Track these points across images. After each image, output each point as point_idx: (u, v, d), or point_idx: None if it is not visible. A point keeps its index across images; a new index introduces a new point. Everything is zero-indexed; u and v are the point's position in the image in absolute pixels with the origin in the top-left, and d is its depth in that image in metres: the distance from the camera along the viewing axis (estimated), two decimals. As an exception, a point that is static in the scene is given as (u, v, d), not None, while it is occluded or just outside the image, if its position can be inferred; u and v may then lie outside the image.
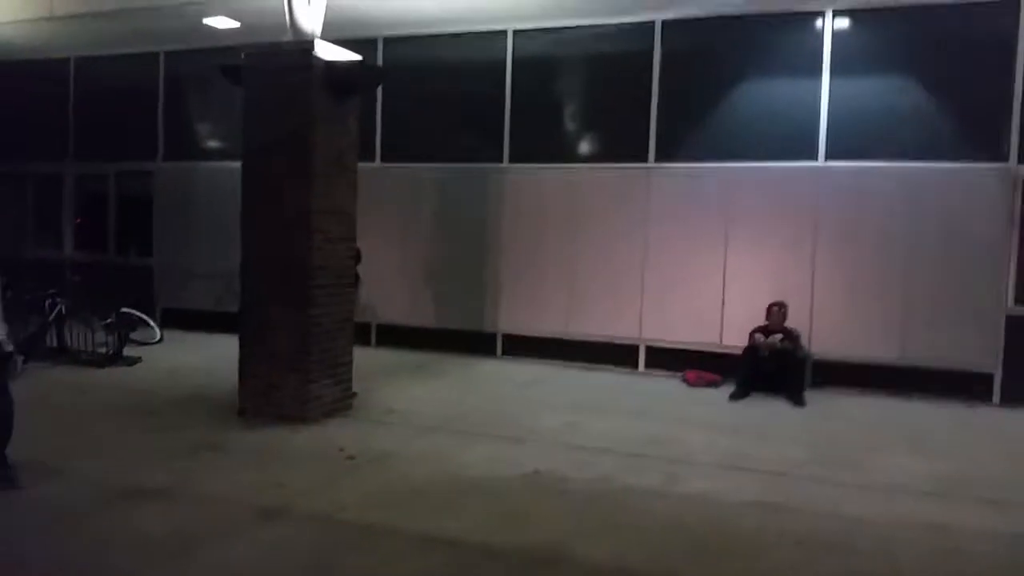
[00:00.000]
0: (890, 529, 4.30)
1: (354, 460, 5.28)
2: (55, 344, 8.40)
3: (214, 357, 8.38)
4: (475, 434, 6.04)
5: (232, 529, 4.07)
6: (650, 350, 8.98)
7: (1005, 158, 7.72)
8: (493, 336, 9.68)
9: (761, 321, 8.07)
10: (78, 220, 12.13)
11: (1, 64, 12.07)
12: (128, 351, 8.56)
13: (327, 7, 6.54)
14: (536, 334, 9.45)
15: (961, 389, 7.81)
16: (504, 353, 9.63)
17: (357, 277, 7.20)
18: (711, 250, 8.66)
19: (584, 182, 9.20)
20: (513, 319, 9.58)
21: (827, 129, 8.24)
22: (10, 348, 4.69)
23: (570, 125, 9.54)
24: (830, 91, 8.22)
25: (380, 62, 9.79)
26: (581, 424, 6.43)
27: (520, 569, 3.73)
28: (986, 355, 7.80)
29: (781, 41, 8.48)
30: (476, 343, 9.66)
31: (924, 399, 7.80)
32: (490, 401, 7.29)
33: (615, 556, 3.87)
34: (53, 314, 8.34)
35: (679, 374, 8.54)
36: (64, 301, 8.40)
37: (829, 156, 8.23)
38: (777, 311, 7.97)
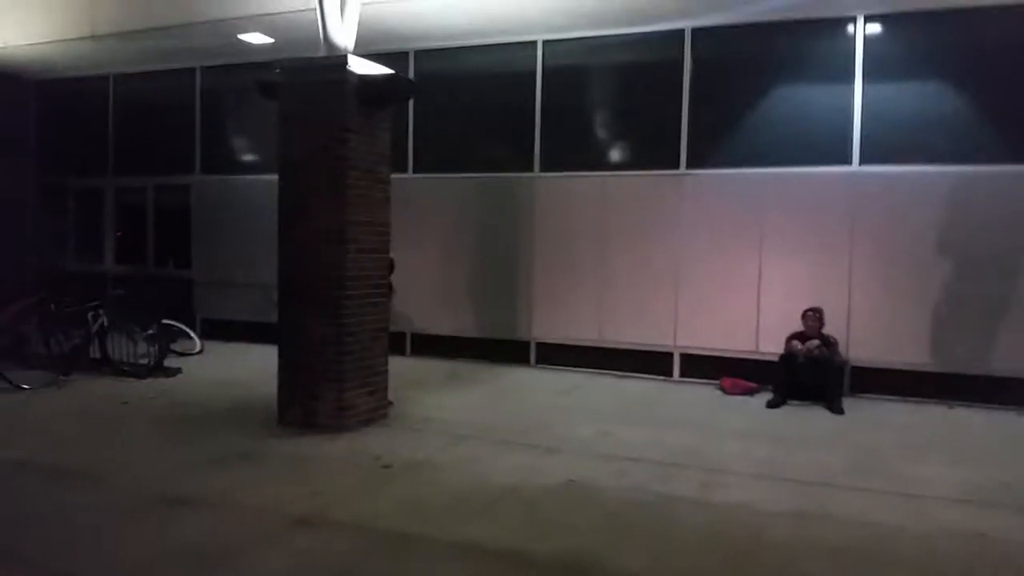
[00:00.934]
0: (929, 539, 4.23)
1: (390, 468, 5.32)
2: (98, 355, 8.59)
3: (253, 367, 8.51)
4: (509, 443, 6.05)
5: (269, 537, 4.12)
6: (685, 358, 8.93)
7: (1045, 159, 7.57)
8: (527, 344, 9.70)
9: (797, 327, 7.98)
10: (119, 232, 12.39)
11: (44, 82, 12.46)
12: (169, 362, 8.72)
13: (359, 22, 6.63)
14: (570, 342, 9.45)
15: (1005, 396, 7.63)
16: (538, 361, 9.64)
17: (391, 287, 7.26)
18: (746, 256, 8.59)
19: (616, 190, 9.19)
20: (547, 327, 9.59)
21: (861, 134, 8.14)
22: None
23: (601, 133, 9.55)
24: (863, 96, 8.11)
25: (412, 74, 9.89)
26: (615, 433, 6.41)
27: (554, 578, 3.73)
28: (1027, 361, 7.62)
29: (812, 47, 8.40)
30: (510, 351, 9.68)
31: (965, 406, 7.65)
32: (524, 410, 7.30)
33: (648, 565, 3.85)
34: (95, 326, 8.52)
35: (715, 382, 8.47)
36: (106, 313, 8.59)
37: (863, 161, 8.12)
38: (813, 317, 7.87)
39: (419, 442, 6.01)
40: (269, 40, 9.73)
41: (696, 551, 4.05)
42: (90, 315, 8.51)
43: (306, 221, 6.32)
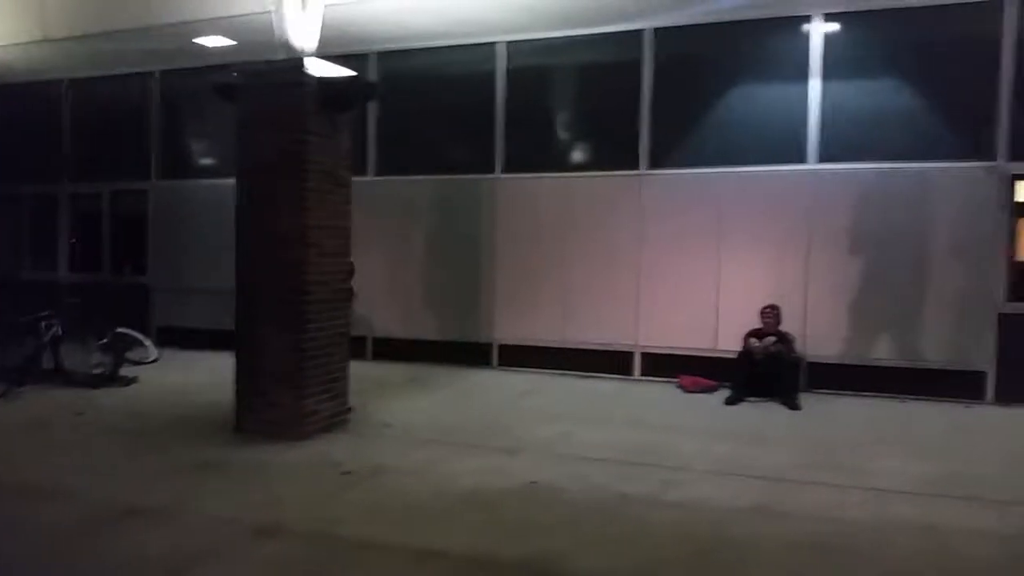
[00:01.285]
0: (886, 531, 4.32)
1: (350, 475, 5.29)
2: (51, 366, 8.40)
3: (210, 375, 8.39)
4: (471, 446, 6.05)
5: (229, 547, 4.08)
6: (645, 356, 9.01)
7: (994, 156, 7.77)
8: (488, 346, 9.71)
9: (756, 325, 8.10)
10: (73, 240, 12.14)
11: (-6, 87, 12.17)
12: (124, 371, 8.56)
13: (321, 22, 6.57)
14: (531, 343, 9.48)
15: (955, 388, 7.84)
16: (500, 363, 9.65)
17: (351, 291, 7.22)
18: (705, 255, 8.70)
19: (577, 191, 9.24)
20: (508, 329, 9.61)
21: (818, 132, 8.29)
22: None
23: (562, 134, 9.60)
24: (821, 94, 8.27)
25: (373, 76, 9.84)
26: (577, 434, 6.45)
27: (516, 581, 3.74)
28: (979, 353, 7.83)
29: (771, 46, 8.55)
30: (471, 354, 9.68)
31: (918, 399, 7.83)
32: (486, 412, 7.30)
33: (611, 565, 3.89)
34: (48, 335, 8.34)
35: (674, 380, 8.56)
36: (59, 322, 8.41)
37: (821, 159, 8.28)
38: (770, 313, 8.01)
39: (380, 447, 5.99)
40: (229, 42, 9.60)
41: (658, 549, 4.09)
42: (43, 324, 8.33)
43: (265, 225, 6.26)
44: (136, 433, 6.41)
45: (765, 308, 8.03)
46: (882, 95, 8.14)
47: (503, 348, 9.65)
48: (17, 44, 10.16)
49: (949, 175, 7.89)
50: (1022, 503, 4.81)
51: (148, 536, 4.23)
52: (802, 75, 8.33)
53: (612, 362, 9.09)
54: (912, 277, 8.00)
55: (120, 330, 8.80)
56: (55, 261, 12.23)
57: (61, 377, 8.31)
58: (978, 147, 7.86)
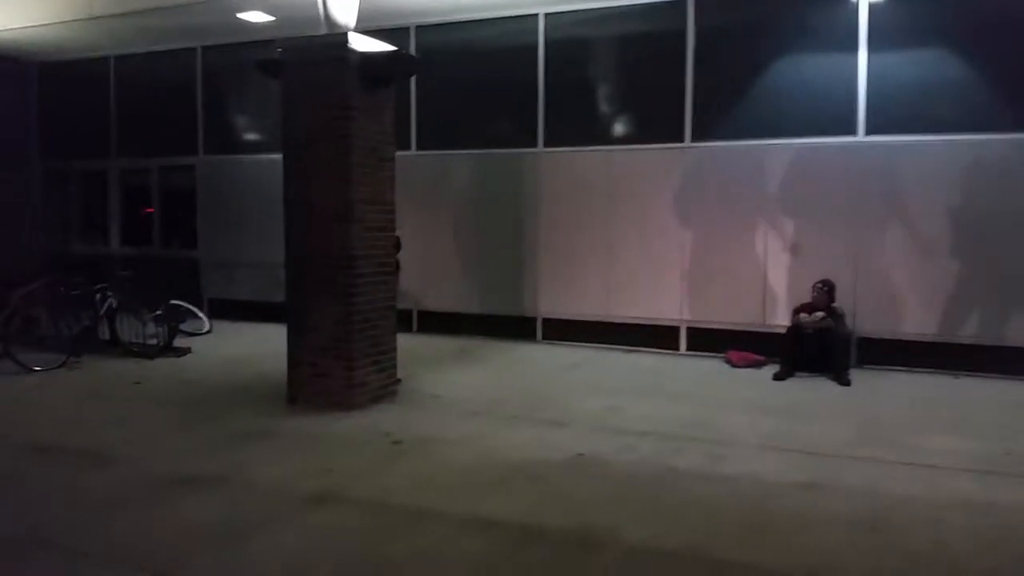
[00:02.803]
0: (936, 508, 4.26)
1: (400, 445, 5.37)
2: (107, 337, 8.64)
3: (261, 346, 8.56)
4: (518, 418, 6.09)
5: (282, 515, 4.17)
6: (692, 331, 8.94)
7: (1052, 126, 7.51)
8: (533, 320, 9.72)
9: (805, 299, 7.98)
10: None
11: (45, 65, 12.41)
12: (178, 342, 8.77)
13: (359, -2, 6.58)
14: (576, 317, 9.47)
15: (1010, 365, 7.64)
16: (544, 337, 9.67)
17: (397, 264, 7.27)
18: (752, 228, 8.57)
19: (620, 163, 9.16)
20: (553, 303, 9.60)
21: (866, 103, 8.07)
22: None
23: (604, 107, 9.49)
24: (868, 64, 8.04)
25: (413, 50, 9.82)
26: (623, 407, 6.44)
27: (566, 550, 3.77)
28: (1037, 330, 7.62)
29: (816, 15, 8.32)
30: (517, 327, 9.71)
31: (971, 375, 7.66)
32: (532, 385, 7.33)
33: (658, 537, 3.90)
34: (104, 308, 8.58)
35: (722, 355, 8.49)
36: (114, 295, 8.63)
37: (869, 131, 8.07)
38: (821, 289, 7.86)
39: (429, 418, 6.06)
40: (270, 18, 9.67)
41: (705, 523, 4.09)
42: (98, 297, 8.56)
43: (312, 199, 6.32)
44: (191, 402, 6.58)
45: (817, 283, 7.88)
46: (932, 66, 7.86)
47: (547, 322, 9.66)
48: (64, 22, 10.34)
49: (1003, 147, 7.63)
50: (1083, 481, 4.70)
51: (203, 504, 4.35)
52: (850, 45, 8.09)
53: (658, 337, 9.04)
54: (965, 250, 7.79)
55: (173, 302, 9.01)
56: (107, 235, 12.52)
57: (117, 348, 8.55)
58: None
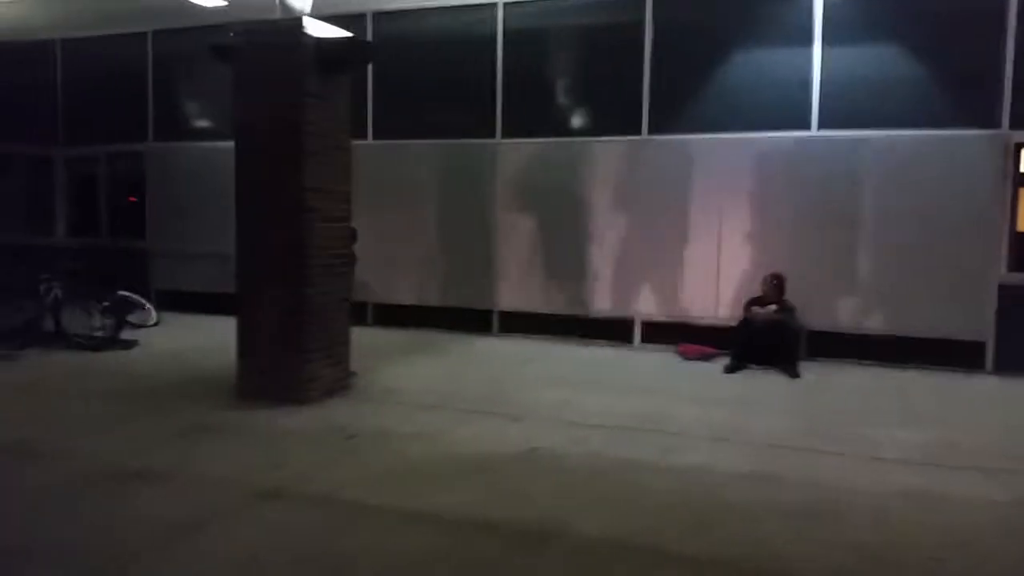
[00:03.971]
0: (883, 499, 4.36)
1: (354, 439, 5.31)
2: (52, 329, 8.40)
3: (211, 339, 8.40)
4: (472, 412, 6.08)
5: (234, 510, 4.10)
6: (645, 324, 9.02)
7: (997, 124, 7.71)
8: (489, 313, 9.71)
9: (756, 293, 8.10)
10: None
11: (-14, 47, 12.00)
12: (125, 334, 8.56)
13: (316, -17, 6.47)
14: (532, 310, 9.48)
15: (954, 358, 7.86)
16: (501, 330, 9.66)
17: (353, 256, 7.19)
18: (705, 222, 8.67)
19: (577, 156, 9.18)
20: (509, 296, 9.60)
21: (819, 98, 8.22)
22: None
23: (562, 99, 9.50)
24: (822, 60, 8.18)
25: (370, 38, 9.70)
26: (577, 400, 6.47)
27: (517, 544, 3.77)
28: (979, 323, 7.84)
29: (772, 10, 8.43)
30: (472, 320, 9.69)
31: (918, 369, 7.86)
32: (487, 379, 7.32)
33: (610, 529, 3.92)
34: (49, 298, 8.33)
35: (674, 347, 8.58)
36: (59, 286, 8.39)
37: (822, 125, 8.21)
38: (771, 282, 7.99)
39: (382, 412, 6.01)
40: (222, 3, 9.45)
41: (658, 514, 4.12)
42: (43, 287, 8.32)
43: (265, 190, 6.21)
44: (137, 395, 6.43)
45: (767, 276, 8.01)
46: (885, 61, 8.05)
47: (504, 315, 9.65)
48: (8, 2, 9.98)
49: (951, 142, 7.83)
50: (1019, 472, 4.85)
51: (150, 498, 4.25)
52: (805, 40, 8.22)
53: (612, 330, 9.11)
54: (913, 246, 7.98)
55: (120, 293, 8.79)
56: (52, 225, 12.16)
57: (62, 340, 8.32)
58: (981, 114, 7.78)
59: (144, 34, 11.16)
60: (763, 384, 7.27)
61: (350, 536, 3.83)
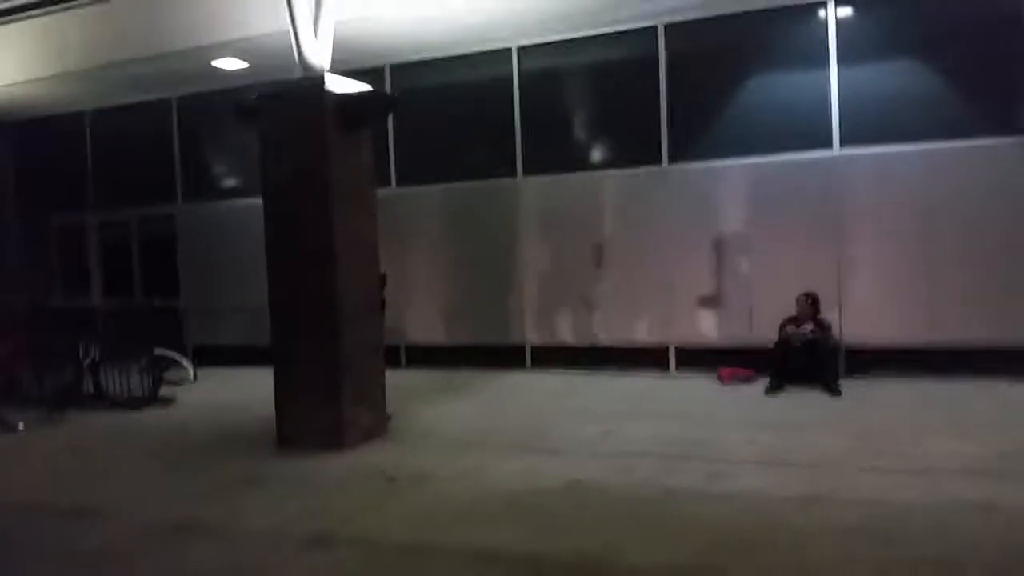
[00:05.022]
0: (939, 513, 4.25)
1: (395, 482, 5.31)
2: (91, 390, 8.52)
3: (248, 391, 8.46)
4: (512, 448, 6.05)
5: (281, 560, 4.10)
6: (680, 351, 8.96)
7: (1022, 131, 7.65)
8: (521, 348, 9.70)
9: (791, 313, 8.03)
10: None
11: (19, 123, 12.37)
12: (163, 392, 8.66)
13: (333, 40, 6.63)
14: (564, 343, 9.47)
15: (997, 368, 7.69)
16: (533, 365, 9.64)
17: (383, 301, 7.25)
18: (734, 246, 8.64)
19: (599, 189, 9.24)
20: (540, 330, 9.60)
21: (839, 117, 8.22)
22: None
23: (581, 134, 9.59)
24: (839, 79, 8.20)
25: (388, 89, 9.89)
26: (617, 430, 6.42)
27: (570, 578, 3.73)
28: (1021, 331, 7.68)
29: (785, 34, 8.50)
30: (504, 356, 9.68)
31: (959, 380, 7.70)
32: (524, 414, 7.30)
33: (662, 560, 3.86)
34: (87, 361, 8.46)
35: (712, 373, 8.50)
36: (97, 347, 8.53)
37: (844, 143, 8.20)
38: (806, 302, 7.92)
39: (422, 454, 6.00)
40: (243, 64, 9.71)
41: (709, 542, 4.06)
42: (81, 350, 8.45)
43: (293, 242, 6.31)
44: (180, 452, 6.48)
45: (801, 296, 7.94)
46: (903, 75, 8.05)
47: (536, 349, 9.64)
48: (39, 79, 10.34)
49: (977, 152, 7.77)
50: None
51: (200, 552, 4.27)
52: (820, 61, 8.26)
53: (647, 359, 9.04)
54: (947, 256, 7.88)
55: (157, 352, 8.91)
56: (88, 288, 12.40)
57: (102, 401, 8.42)
58: (1007, 122, 7.73)
59: (169, 100, 11.47)
60: (805, 404, 7.17)
61: (401, 579, 3.81)
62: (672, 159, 8.89)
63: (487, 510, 4.71)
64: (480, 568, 3.87)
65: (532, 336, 9.65)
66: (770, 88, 8.53)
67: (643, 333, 9.09)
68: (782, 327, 7.97)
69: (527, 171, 9.59)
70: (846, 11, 8.19)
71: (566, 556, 3.94)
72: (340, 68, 6.65)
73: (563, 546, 4.07)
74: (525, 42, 9.42)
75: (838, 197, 8.21)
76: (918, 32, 8.00)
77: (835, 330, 8.03)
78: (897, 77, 8.06)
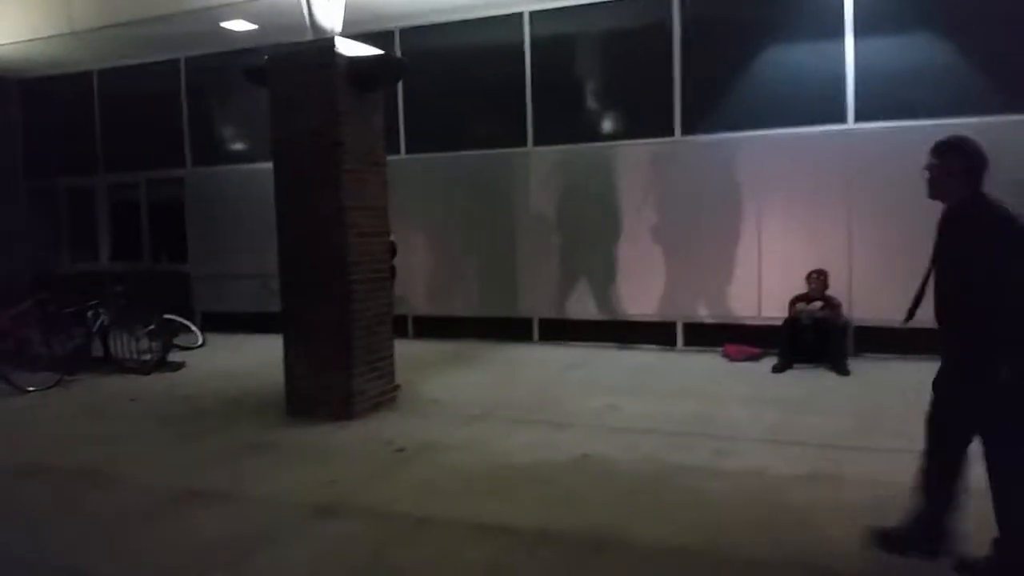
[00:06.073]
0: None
1: (403, 452, 5.33)
2: (100, 354, 8.56)
3: (256, 358, 8.50)
4: (520, 420, 6.06)
5: (291, 527, 4.13)
6: (688, 326, 8.94)
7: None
8: (529, 321, 9.69)
9: (800, 290, 7.98)
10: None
11: (26, 81, 12.29)
12: (172, 357, 8.70)
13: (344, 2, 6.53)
14: (572, 317, 9.45)
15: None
16: (541, 338, 9.64)
17: (393, 270, 7.23)
18: (744, 221, 8.57)
19: (610, 160, 9.15)
20: (548, 303, 9.58)
21: (855, 90, 8.10)
22: None
23: (592, 104, 9.47)
24: (855, 51, 8.06)
25: (398, 53, 9.78)
26: (624, 405, 6.42)
27: (575, 552, 3.74)
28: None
29: (801, 4, 8.34)
30: (512, 329, 9.68)
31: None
32: (531, 387, 7.30)
33: (668, 535, 3.87)
34: (96, 325, 8.49)
35: (718, 349, 8.48)
36: (106, 311, 8.55)
37: (859, 118, 8.09)
38: (816, 278, 7.87)
39: (430, 424, 6.02)
40: (253, 26, 9.60)
41: (717, 518, 4.07)
42: (90, 314, 8.48)
43: (304, 208, 6.28)
44: (189, 417, 6.51)
45: (812, 272, 7.89)
46: (919, 50, 7.90)
47: (543, 322, 9.63)
48: (45, 38, 10.26)
49: (991, 129, 7.61)
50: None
51: (209, 519, 4.29)
52: (836, 33, 8.12)
53: (654, 333, 9.03)
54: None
55: (166, 316, 8.93)
56: (96, 252, 12.41)
57: (111, 365, 8.46)
58: (1022, 98, 7.60)
59: (177, 60, 11.37)
60: (812, 382, 7.15)
61: (407, 550, 3.83)
62: (685, 131, 8.78)
63: (494, 482, 4.72)
64: (485, 540, 3.88)
65: (540, 309, 9.63)
66: (785, 60, 8.40)
67: (651, 307, 9.06)
68: (792, 304, 7.93)
69: (537, 141, 9.50)
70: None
71: (571, 531, 3.95)
72: (350, 31, 6.57)
73: (569, 521, 4.08)
74: (537, 7, 9.27)
75: (851, 173, 8.11)
76: (937, 5, 7.83)
77: (845, 308, 7.98)
78: (913, 52, 7.91)
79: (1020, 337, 3.11)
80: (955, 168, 3.54)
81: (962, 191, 3.53)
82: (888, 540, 3.57)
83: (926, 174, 3.61)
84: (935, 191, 3.59)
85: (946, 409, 3.48)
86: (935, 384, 3.56)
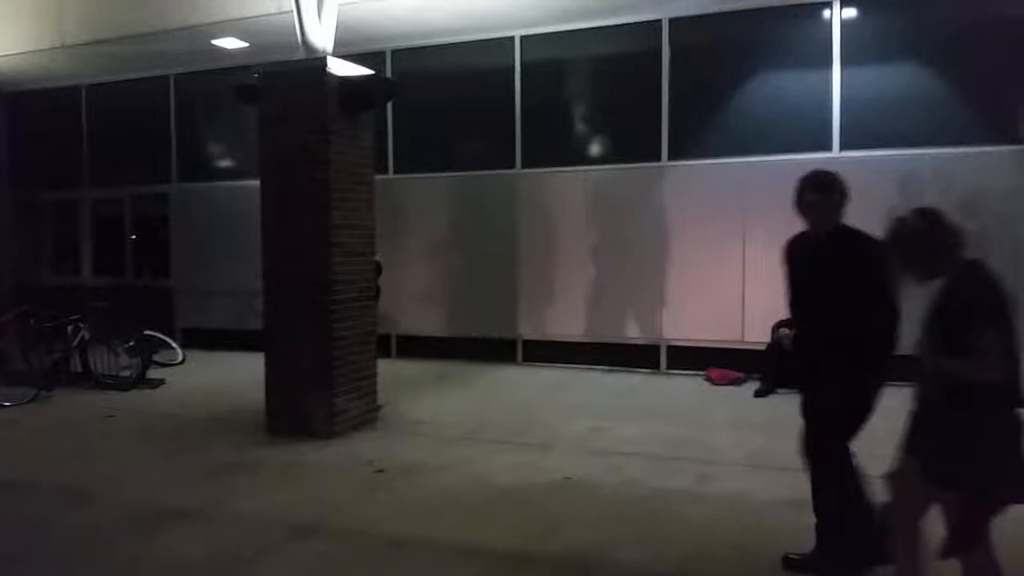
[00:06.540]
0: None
1: (384, 473, 5.28)
2: (79, 369, 8.45)
3: (237, 376, 8.42)
4: (502, 442, 6.03)
5: (267, 548, 4.07)
6: (672, 350, 8.95)
7: (1022, 140, 7.64)
8: (513, 342, 9.68)
9: (784, 316, 8.00)
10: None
11: (14, 95, 12.24)
12: (152, 373, 8.60)
13: (335, 22, 6.56)
14: (556, 338, 9.45)
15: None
16: (525, 359, 9.62)
17: (378, 290, 7.21)
18: (729, 246, 8.61)
19: (598, 184, 9.19)
20: (533, 324, 9.58)
21: (840, 120, 8.19)
22: None
23: (581, 127, 9.54)
24: (842, 81, 8.17)
25: (389, 74, 9.82)
26: (607, 428, 6.41)
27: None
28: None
29: (790, 34, 8.46)
30: (496, 350, 9.66)
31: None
32: (514, 408, 7.27)
33: (651, 560, 3.86)
34: (76, 340, 8.39)
35: (702, 373, 8.49)
36: (86, 326, 8.46)
37: (844, 147, 8.18)
38: (799, 305, 7.90)
39: (412, 445, 5.98)
40: (244, 44, 9.62)
41: (698, 542, 4.06)
42: (70, 328, 8.38)
43: (290, 226, 6.26)
44: (167, 435, 6.43)
45: (794, 298, 7.93)
46: (906, 80, 8.01)
47: (528, 343, 9.62)
48: (35, 51, 10.24)
49: (975, 159, 7.76)
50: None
51: (187, 538, 4.23)
52: (824, 62, 8.23)
53: (638, 356, 9.04)
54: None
55: (146, 332, 8.84)
56: (79, 266, 12.31)
57: (90, 380, 8.36)
58: (1006, 130, 7.72)
59: (167, 77, 11.36)
60: (796, 407, 7.13)
61: (385, 571, 3.79)
62: (672, 156, 8.85)
63: (475, 504, 4.69)
64: (468, 563, 3.85)
65: (525, 330, 9.63)
66: (772, 88, 8.50)
67: (635, 330, 9.07)
68: (775, 329, 7.94)
69: (526, 163, 9.54)
70: (852, 13, 8.15)
71: (554, 554, 3.93)
72: (341, 51, 6.59)
73: (551, 544, 4.05)
74: (527, 31, 9.35)
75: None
76: (924, 37, 7.97)
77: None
78: (899, 82, 8.03)
79: (866, 362, 3.72)
80: (836, 200, 3.86)
81: (835, 220, 3.86)
82: (806, 566, 3.74)
83: (810, 210, 3.91)
84: (821, 223, 3.87)
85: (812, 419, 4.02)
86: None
